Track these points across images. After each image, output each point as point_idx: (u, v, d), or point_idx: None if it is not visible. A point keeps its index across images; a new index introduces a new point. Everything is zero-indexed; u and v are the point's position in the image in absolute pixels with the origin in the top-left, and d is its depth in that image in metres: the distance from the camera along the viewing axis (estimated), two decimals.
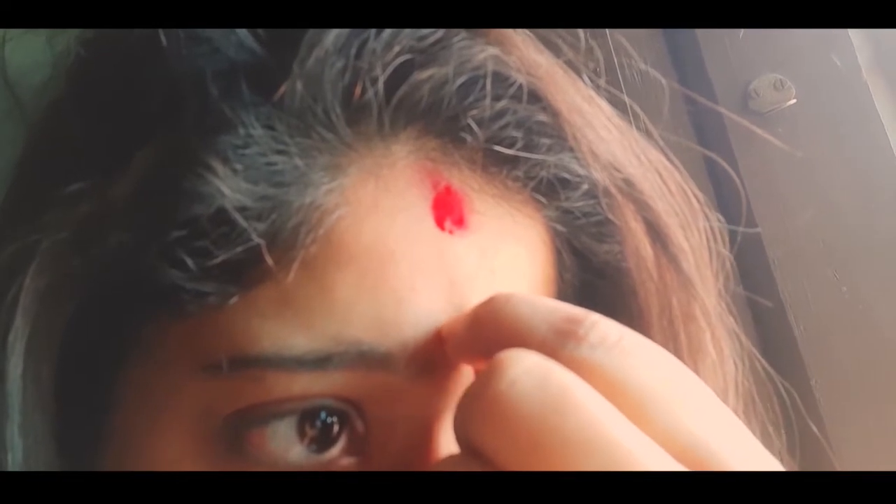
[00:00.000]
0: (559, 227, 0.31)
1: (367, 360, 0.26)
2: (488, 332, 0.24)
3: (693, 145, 0.47)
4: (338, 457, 0.27)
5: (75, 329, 0.28)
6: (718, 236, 0.35)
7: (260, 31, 0.28)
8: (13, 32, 0.37)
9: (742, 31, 0.53)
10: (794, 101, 0.53)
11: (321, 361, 0.26)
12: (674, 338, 0.32)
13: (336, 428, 0.27)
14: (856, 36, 0.53)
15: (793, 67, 0.53)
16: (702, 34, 0.54)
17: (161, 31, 0.28)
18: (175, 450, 0.27)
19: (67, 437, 0.28)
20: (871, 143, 0.52)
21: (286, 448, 0.27)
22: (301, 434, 0.27)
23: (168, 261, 0.26)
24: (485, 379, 0.21)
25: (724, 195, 0.50)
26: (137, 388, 0.29)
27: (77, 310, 0.28)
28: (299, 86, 0.26)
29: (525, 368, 0.21)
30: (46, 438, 0.27)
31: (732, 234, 0.36)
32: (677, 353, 0.32)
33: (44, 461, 0.27)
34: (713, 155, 0.43)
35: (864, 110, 0.53)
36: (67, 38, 0.32)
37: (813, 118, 0.53)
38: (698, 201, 0.34)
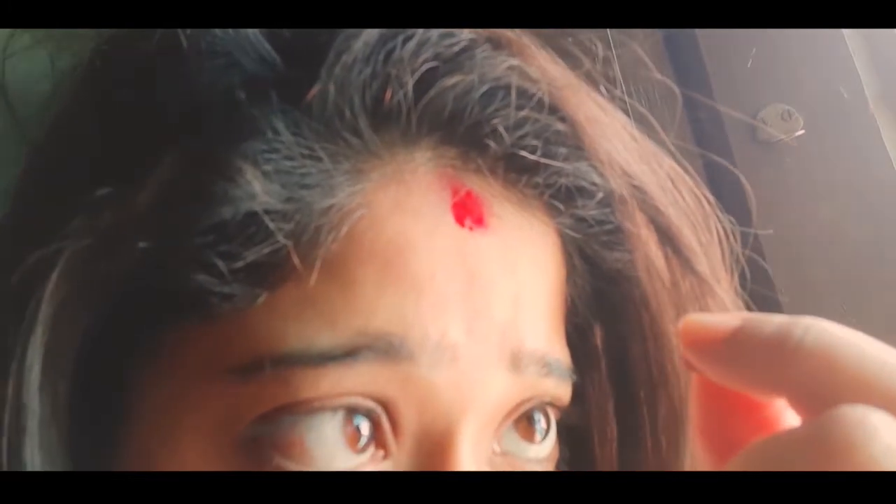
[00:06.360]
0: (572, 234, 0.32)
1: (392, 352, 0.26)
2: (804, 370, 0.20)
3: (698, 150, 0.46)
4: (368, 461, 0.27)
5: (94, 339, 0.27)
6: (731, 235, 0.35)
7: (282, 38, 0.28)
8: (16, 47, 0.37)
9: (750, 60, 0.53)
10: (801, 131, 0.53)
11: (347, 354, 0.26)
12: None
13: (368, 428, 0.27)
14: (863, 68, 0.54)
15: (800, 98, 0.54)
16: (710, 64, 0.55)
17: (182, 39, 0.28)
18: (194, 459, 0.26)
19: (81, 449, 0.27)
20: (878, 175, 0.53)
21: (327, 451, 0.26)
22: (337, 434, 0.26)
23: (196, 265, 0.26)
24: (844, 437, 0.18)
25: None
26: (155, 396, 0.28)
27: (97, 319, 0.27)
28: (328, 91, 0.27)
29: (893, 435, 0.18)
30: (60, 452, 0.26)
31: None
32: None
33: None
34: (731, 169, 0.42)
35: (870, 142, 0.53)
36: (79, 45, 0.32)
37: (820, 149, 0.53)
38: (710, 204, 0.34)
